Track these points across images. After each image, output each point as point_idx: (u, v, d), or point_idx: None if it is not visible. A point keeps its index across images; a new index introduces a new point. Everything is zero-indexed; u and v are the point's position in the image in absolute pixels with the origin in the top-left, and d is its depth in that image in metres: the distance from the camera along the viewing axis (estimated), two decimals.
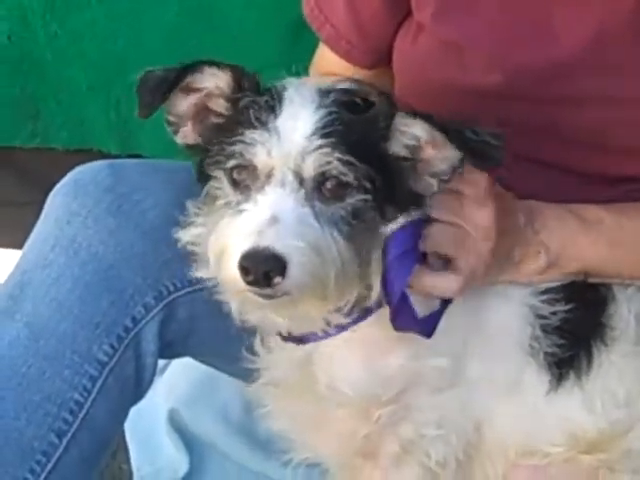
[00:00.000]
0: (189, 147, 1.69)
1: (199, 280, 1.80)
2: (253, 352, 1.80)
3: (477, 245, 1.68)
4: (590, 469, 1.81)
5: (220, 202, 1.62)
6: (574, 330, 1.78)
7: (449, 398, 1.75)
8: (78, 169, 1.81)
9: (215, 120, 1.66)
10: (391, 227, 1.63)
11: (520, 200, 1.80)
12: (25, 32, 2.75)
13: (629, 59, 1.84)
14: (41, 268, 1.74)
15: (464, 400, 1.77)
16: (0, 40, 2.79)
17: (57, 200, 1.78)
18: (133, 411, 2.61)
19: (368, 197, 1.58)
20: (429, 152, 1.61)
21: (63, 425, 1.72)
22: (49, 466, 1.71)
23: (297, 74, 2.07)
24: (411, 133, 1.60)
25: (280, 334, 1.73)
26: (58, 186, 1.80)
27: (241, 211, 1.56)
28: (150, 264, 1.76)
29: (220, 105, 1.65)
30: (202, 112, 1.67)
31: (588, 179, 1.93)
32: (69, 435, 1.72)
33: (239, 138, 1.58)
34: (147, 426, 2.63)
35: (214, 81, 1.64)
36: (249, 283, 1.51)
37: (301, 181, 1.56)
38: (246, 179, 1.59)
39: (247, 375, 1.82)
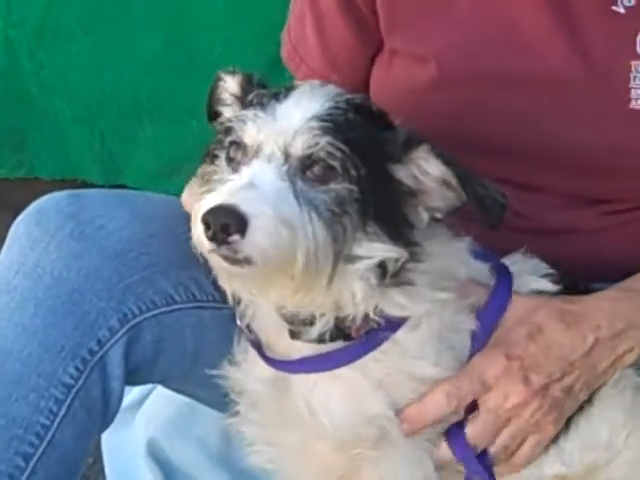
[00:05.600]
0: None
1: (164, 302, 1.83)
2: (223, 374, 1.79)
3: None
4: None
5: (214, 178, 1.65)
6: None
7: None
8: (41, 199, 1.83)
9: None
10: None
11: (582, 303, 1.77)
12: (11, 63, 2.80)
13: None
14: (5, 293, 1.75)
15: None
16: None
17: (20, 229, 1.79)
18: (112, 443, 2.62)
19: (354, 187, 1.58)
20: (433, 186, 1.62)
21: (29, 448, 1.71)
22: None
23: None
24: (425, 169, 1.61)
25: (258, 349, 1.72)
26: (21, 216, 1.81)
27: (227, 182, 1.59)
28: (114, 287, 1.76)
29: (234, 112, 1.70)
30: None
31: (562, 200, 1.94)
32: (35, 458, 1.71)
33: (236, 116, 1.63)
34: (126, 457, 2.59)
35: (228, 89, 1.71)
36: (209, 239, 1.52)
37: (287, 158, 1.57)
38: (238, 156, 1.62)
39: (223, 404, 1.81)
